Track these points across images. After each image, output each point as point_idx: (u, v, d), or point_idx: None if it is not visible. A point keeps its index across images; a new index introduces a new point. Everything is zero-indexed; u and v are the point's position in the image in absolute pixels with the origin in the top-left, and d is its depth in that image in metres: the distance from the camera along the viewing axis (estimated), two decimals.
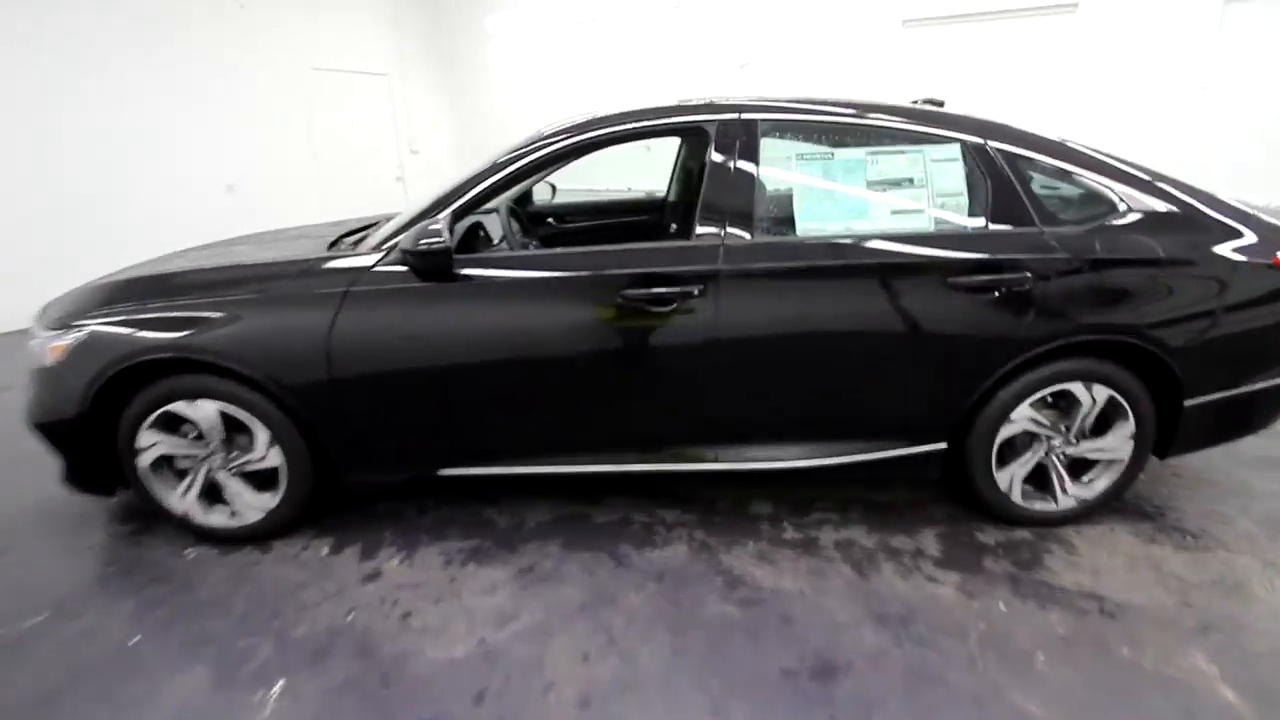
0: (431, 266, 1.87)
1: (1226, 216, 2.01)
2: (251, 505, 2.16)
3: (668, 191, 3.48)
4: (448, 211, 1.94)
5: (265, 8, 6.02)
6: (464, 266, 1.94)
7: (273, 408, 2.01)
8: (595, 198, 3.60)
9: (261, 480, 2.15)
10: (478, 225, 2.54)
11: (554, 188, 3.61)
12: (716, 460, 2.10)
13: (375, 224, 2.60)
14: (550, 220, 3.51)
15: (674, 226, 3.31)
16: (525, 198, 3.44)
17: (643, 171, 4.11)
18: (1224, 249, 1.95)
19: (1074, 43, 4.69)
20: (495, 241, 2.52)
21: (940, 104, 2.51)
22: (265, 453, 2.07)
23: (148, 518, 2.35)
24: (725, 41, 6.07)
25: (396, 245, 1.93)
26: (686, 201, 3.23)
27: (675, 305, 1.90)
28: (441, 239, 1.79)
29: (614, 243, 3.48)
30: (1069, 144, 2.05)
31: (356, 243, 2.23)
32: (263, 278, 2.00)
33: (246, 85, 5.93)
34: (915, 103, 2.43)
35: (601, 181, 4.15)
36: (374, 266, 1.95)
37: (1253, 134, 4.36)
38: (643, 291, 1.90)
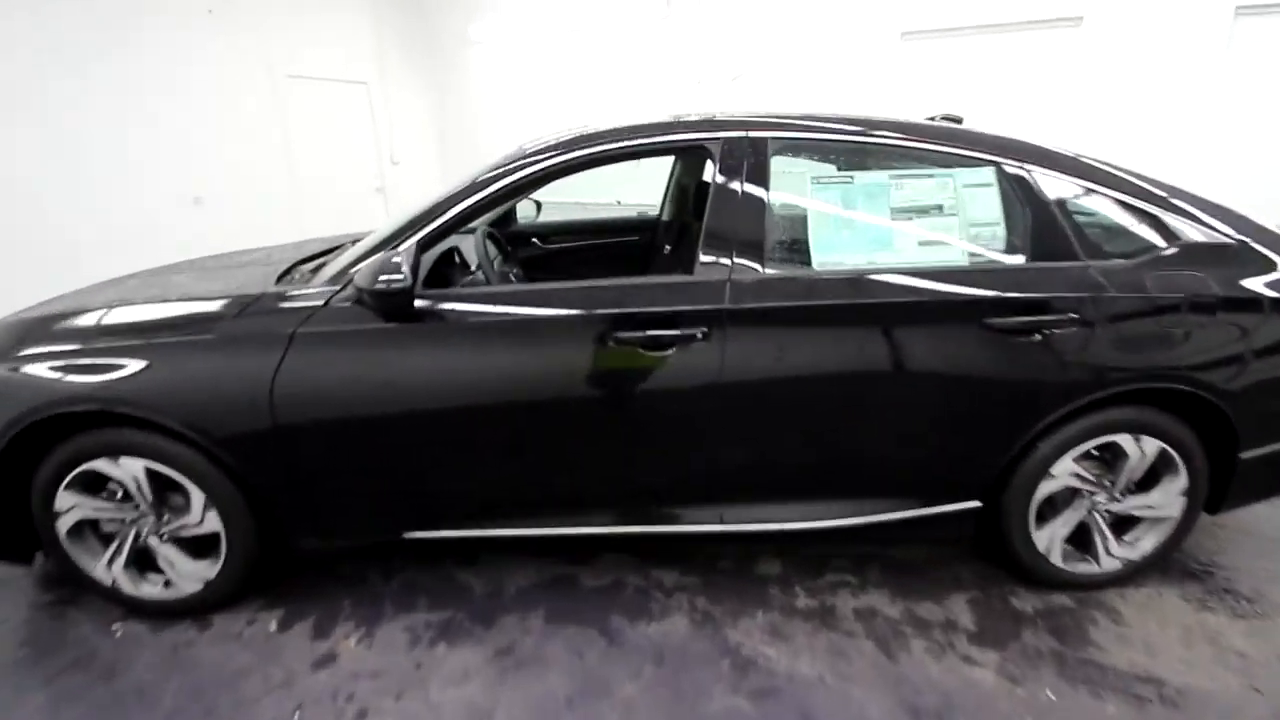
0: (390, 307, 1.61)
1: (1272, 249, 1.81)
2: (187, 575, 1.88)
3: (661, 210, 3.24)
4: (412, 241, 1.68)
5: (235, 13, 5.74)
6: (432, 301, 1.69)
7: (210, 467, 1.73)
8: (583, 216, 3.36)
9: (199, 546, 1.87)
10: (452, 250, 2.30)
11: (538, 205, 3.37)
12: (721, 521, 1.86)
13: (339, 247, 2.34)
14: (534, 240, 3.26)
15: (668, 248, 3.08)
16: (507, 217, 3.19)
17: (632, 184, 3.87)
18: (1271, 284, 1.75)
19: (1078, 57, 4.54)
20: (472, 268, 2.28)
21: (959, 121, 2.30)
22: (202, 516, 1.80)
23: (74, 585, 2.06)
24: (717, 53, 5.88)
25: (352, 280, 1.67)
26: (681, 221, 3.02)
27: (674, 349, 1.66)
28: (401, 277, 1.54)
29: (603, 265, 3.32)
30: (1113, 168, 1.85)
31: (314, 270, 1.97)
32: (198, 317, 1.73)
33: (216, 94, 5.64)
34: (933, 119, 2.23)
35: (587, 194, 3.92)
36: (326, 304, 1.69)
37: (1264, 152, 4.23)
38: (638, 334, 1.65)
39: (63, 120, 4.58)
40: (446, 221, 1.75)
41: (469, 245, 2.33)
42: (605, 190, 4.38)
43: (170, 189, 5.34)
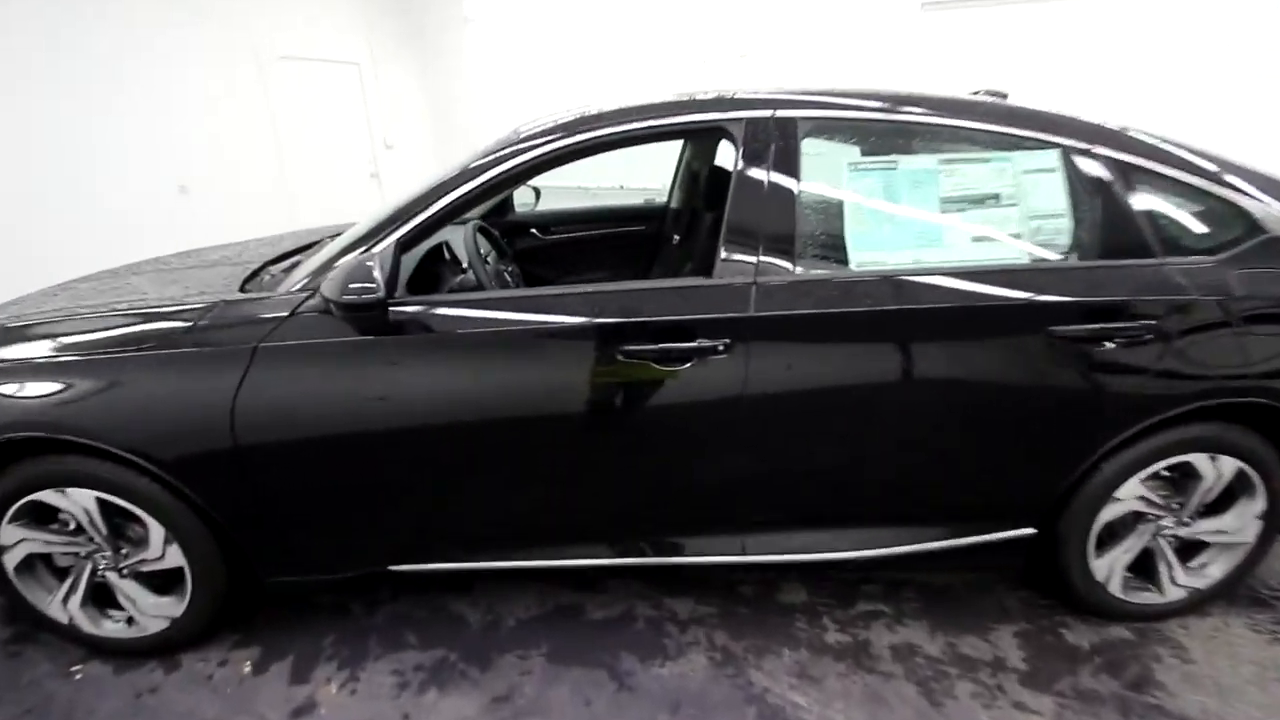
0: (362, 320, 1.41)
1: None
2: (151, 612, 1.69)
3: (669, 197, 3.01)
4: (390, 241, 1.47)
5: None
6: (414, 309, 1.48)
7: (169, 497, 1.54)
8: (585, 204, 3.14)
9: (163, 581, 1.68)
10: (442, 246, 2.08)
11: (538, 192, 3.14)
12: (743, 551, 1.66)
13: (318, 243, 2.13)
14: (533, 231, 3.04)
15: (676, 238, 2.86)
16: (503, 206, 2.97)
17: (636, 166, 3.63)
18: None
19: (1115, 29, 4.26)
20: (464, 264, 2.06)
21: (1003, 97, 2.07)
22: (162, 551, 1.61)
23: (34, 620, 1.87)
24: (723, 29, 5.59)
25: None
26: (691, 209, 2.79)
27: (691, 363, 1.45)
28: (373, 285, 1.33)
29: (608, 257, 3.10)
30: (1187, 149, 1.62)
31: (287, 271, 1.76)
32: (148, 331, 1.52)
33: (199, 76, 5.38)
34: (975, 94, 1.99)
35: (589, 178, 3.70)
36: (293, 314, 1.47)
37: None
38: (649, 347, 1.44)
39: (35, 106, 4.34)
40: (432, 216, 1.54)
41: (461, 239, 2.11)
42: (607, 174, 4.15)
43: (153, 177, 5.11)
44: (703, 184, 2.63)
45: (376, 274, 1.32)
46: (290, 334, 1.45)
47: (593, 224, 3.08)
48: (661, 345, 1.44)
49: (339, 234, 1.89)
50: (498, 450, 1.54)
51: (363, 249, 1.49)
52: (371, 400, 1.46)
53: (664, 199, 3.07)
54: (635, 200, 3.25)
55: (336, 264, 1.47)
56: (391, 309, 1.43)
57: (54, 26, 4.41)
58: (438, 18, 6.99)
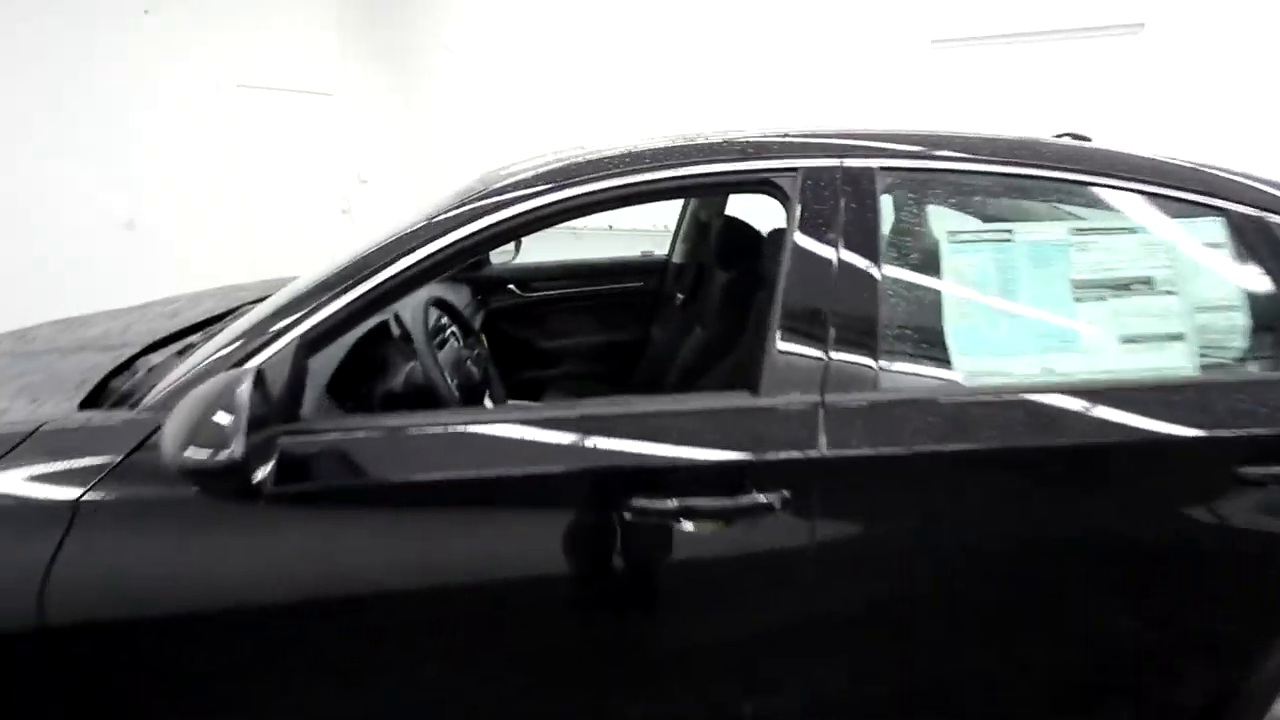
0: (222, 487, 0.92)
1: None
2: None
3: (670, 250, 2.60)
4: (284, 345, 0.99)
5: (176, 14, 5.06)
6: (309, 443, 0.99)
7: None
8: (571, 257, 2.71)
9: None
10: (390, 318, 1.61)
11: (518, 242, 2.71)
12: None
13: (235, 310, 1.66)
14: (511, 287, 2.60)
15: (680, 297, 2.44)
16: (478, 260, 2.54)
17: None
18: None
19: (1139, 68, 4.00)
20: (418, 340, 1.60)
21: (1087, 140, 1.69)
22: None
23: None
24: (722, 61, 5.28)
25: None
26: (698, 263, 2.38)
27: (731, 524, 0.99)
28: (227, 444, 0.81)
29: (599, 318, 2.67)
30: None
31: (180, 354, 1.29)
32: None
33: (153, 104, 4.95)
34: (1060, 138, 1.61)
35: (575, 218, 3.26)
36: (138, 448, 0.98)
37: None
38: (670, 504, 0.98)
39: None
40: (354, 303, 1.06)
41: (410, 312, 1.64)
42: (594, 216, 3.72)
43: (96, 210, 4.62)
44: (714, 237, 2.22)
45: (241, 407, 0.82)
46: (129, 483, 0.95)
47: (581, 279, 2.65)
48: (689, 501, 0.97)
49: (271, 295, 1.37)
50: (434, 648, 1.05)
51: (248, 352, 1.01)
52: (246, 580, 0.97)
53: (660, 248, 2.66)
54: (631, 253, 2.85)
55: (185, 397, 0.89)
56: (283, 441, 0.95)
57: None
58: (416, 47, 6.66)
